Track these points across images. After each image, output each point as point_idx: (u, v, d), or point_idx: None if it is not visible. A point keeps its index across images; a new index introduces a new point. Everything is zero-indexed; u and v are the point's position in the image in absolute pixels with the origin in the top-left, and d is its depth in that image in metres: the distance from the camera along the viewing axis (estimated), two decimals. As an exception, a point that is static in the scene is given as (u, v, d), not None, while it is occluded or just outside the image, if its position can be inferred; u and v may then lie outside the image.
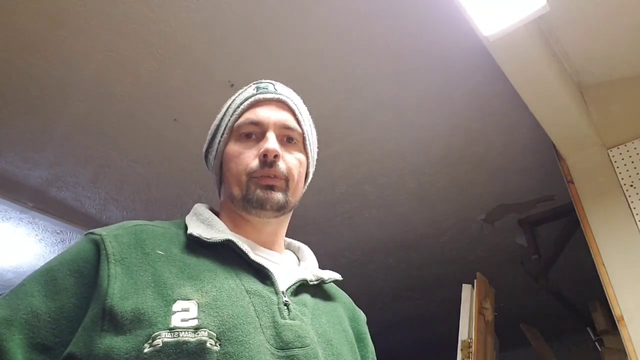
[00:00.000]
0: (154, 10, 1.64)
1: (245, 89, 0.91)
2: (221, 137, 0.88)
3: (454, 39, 1.83)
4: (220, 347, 0.65)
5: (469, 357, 2.32)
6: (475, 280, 2.62)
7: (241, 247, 0.78)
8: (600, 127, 2.04)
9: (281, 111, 0.87)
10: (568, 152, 2.09)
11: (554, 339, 4.54)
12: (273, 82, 0.92)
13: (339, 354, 0.78)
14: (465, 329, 2.43)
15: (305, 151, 0.90)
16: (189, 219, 0.85)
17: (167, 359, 0.63)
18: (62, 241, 2.83)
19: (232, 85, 1.96)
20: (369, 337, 0.94)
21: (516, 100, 1.94)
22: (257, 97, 0.87)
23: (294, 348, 0.71)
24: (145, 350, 0.63)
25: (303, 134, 0.89)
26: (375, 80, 2.00)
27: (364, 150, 2.39)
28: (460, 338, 2.40)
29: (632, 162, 1.95)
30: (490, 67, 1.85)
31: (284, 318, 0.74)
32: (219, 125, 0.90)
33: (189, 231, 0.80)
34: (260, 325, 0.71)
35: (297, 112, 0.89)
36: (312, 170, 0.93)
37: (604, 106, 2.06)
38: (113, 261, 0.71)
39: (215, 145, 0.89)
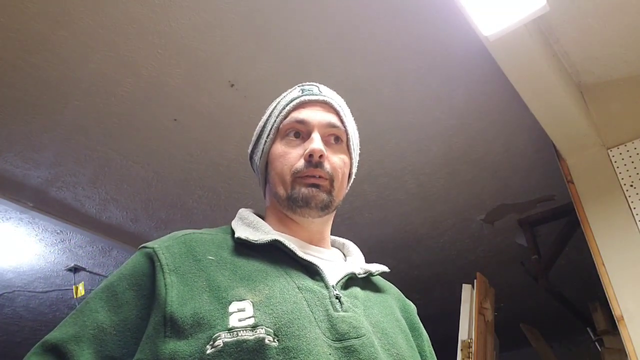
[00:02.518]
0: (154, 10, 1.64)
1: (290, 91, 0.94)
2: (267, 137, 0.90)
3: (454, 39, 1.83)
4: (279, 342, 0.68)
5: (469, 357, 2.32)
6: (475, 280, 2.62)
7: (288, 245, 0.80)
8: (600, 127, 2.04)
9: (326, 112, 0.90)
10: (568, 152, 2.09)
11: (554, 339, 4.53)
12: (317, 84, 0.95)
13: (394, 342, 0.79)
14: (465, 329, 2.43)
15: (348, 152, 0.92)
16: (235, 224, 0.88)
17: (229, 358, 0.65)
18: (62, 241, 2.83)
19: (232, 85, 1.96)
20: (422, 326, 0.95)
21: (516, 100, 1.94)
22: (302, 98, 0.90)
23: (350, 339, 0.72)
24: (208, 352, 0.66)
25: (347, 134, 0.91)
26: (375, 81, 2.00)
27: (364, 150, 2.37)
28: (460, 338, 2.40)
29: (632, 162, 1.94)
30: (490, 67, 1.85)
31: (336, 311, 0.75)
32: (264, 127, 0.92)
33: (236, 235, 0.83)
34: (315, 319, 0.73)
35: (341, 114, 0.91)
36: (354, 170, 0.95)
37: (604, 106, 2.06)
38: (168, 271, 0.74)
39: (261, 146, 0.91)
